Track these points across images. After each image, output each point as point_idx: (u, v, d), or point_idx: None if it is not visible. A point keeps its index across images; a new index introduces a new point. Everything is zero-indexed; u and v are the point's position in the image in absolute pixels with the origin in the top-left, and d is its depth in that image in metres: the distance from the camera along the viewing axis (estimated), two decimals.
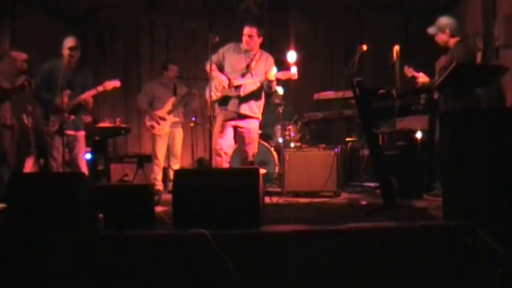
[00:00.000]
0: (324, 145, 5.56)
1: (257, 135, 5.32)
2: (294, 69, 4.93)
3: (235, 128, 5.14)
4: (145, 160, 7.00)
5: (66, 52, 4.95)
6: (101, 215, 3.37)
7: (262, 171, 4.79)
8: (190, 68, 7.57)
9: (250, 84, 5.04)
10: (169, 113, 6.14)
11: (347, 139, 6.96)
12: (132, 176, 7.03)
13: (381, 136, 5.12)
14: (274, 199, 4.94)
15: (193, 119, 7.08)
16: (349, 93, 4.36)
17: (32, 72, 5.44)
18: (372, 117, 4.23)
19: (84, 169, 5.05)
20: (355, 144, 6.78)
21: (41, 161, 5.44)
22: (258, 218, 3.25)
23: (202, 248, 2.98)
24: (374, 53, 5.49)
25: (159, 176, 6.12)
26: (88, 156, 6.05)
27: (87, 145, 5.83)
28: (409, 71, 5.10)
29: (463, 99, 4.33)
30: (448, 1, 7.06)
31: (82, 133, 5.18)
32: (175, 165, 6.18)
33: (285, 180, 5.48)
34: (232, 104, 5.07)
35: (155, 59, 8.37)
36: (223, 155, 5.05)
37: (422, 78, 4.95)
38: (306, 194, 5.25)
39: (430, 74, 5.11)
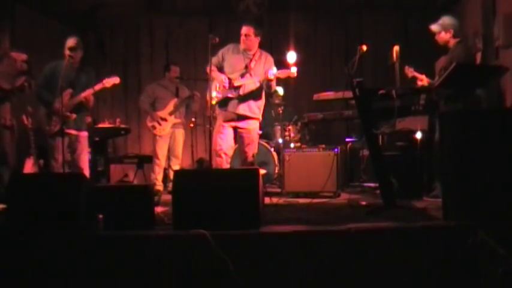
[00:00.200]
0: (323, 145, 5.56)
1: (257, 136, 5.32)
2: (293, 69, 4.92)
3: (235, 128, 5.14)
4: (145, 161, 7.01)
5: (66, 52, 4.96)
6: (100, 216, 3.37)
7: (262, 171, 4.79)
8: (190, 68, 7.57)
9: (249, 84, 5.04)
10: (170, 114, 6.15)
11: (347, 139, 6.96)
12: (132, 177, 7.03)
13: (380, 136, 5.12)
14: (274, 199, 4.94)
15: (193, 119, 7.08)
16: (349, 94, 4.36)
17: (31, 72, 5.44)
18: (371, 117, 4.23)
19: (86, 170, 5.05)
20: (355, 145, 6.77)
21: (41, 161, 5.45)
22: (258, 219, 3.25)
23: (202, 249, 2.98)
24: (374, 53, 5.49)
25: (160, 176, 6.12)
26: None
27: None
28: (410, 71, 5.11)
29: (463, 99, 4.33)
30: (448, 1, 7.06)
31: (84, 133, 5.16)
32: (176, 166, 6.19)
33: (285, 180, 5.48)
34: (232, 105, 5.08)
35: (155, 59, 8.38)
36: (223, 155, 5.05)
37: (423, 81, 4.97)
38: (305, 195, 5.25)
39: (429, 74, 5.12)
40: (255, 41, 5.12)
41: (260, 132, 5.59)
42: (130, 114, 8.28)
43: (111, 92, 7.80)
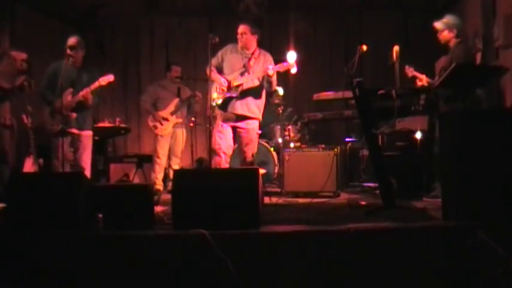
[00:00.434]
0: (323, 145, 5.56)
1: (256, 136, 5.32)
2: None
3: (234, 128, 5.14)
4: (145, 160, 7.01)
5: (67, 51, 4.96)
6: (100, 215, 3.36)
7: (262, 171, 4.79)
8: (190, 68, 7.57)
9: (248, 82, 5.05)
10: (172, 113, 6.17)
11: (347, 139, 6.96)
12: (131, 176, 7.03)
13: (380, 136, 5.13)
14: (274, 199, 4.94)
15: (193, 119, 7.08)
16: (348, 94, 4.36)
17: (31, 72, 5.44)
18: (371, 117, 4.23)
19: (88, 170, 5.04)
20: (355, 145, 6.77)
21: (40, 160, 5.44)
22: (257, 218, 3.25)
23: (202, 248, 2.98)
24: (374, 53, 5.49)
25: (160, 176, 6.13)
26: None
27: None
28: (410, 71, 5.12)
29: (463, 99, 4.33)
30: (448, 1, 7.06)
31: (87, 133, 5.14)
32: (176, 166, 6.20)
33: (285, 180, 5.48)
34: (231, 106, 5.08)
35: (155, 59, 8.38)
36: (222, 154, 5.05)
37: (422, 81, 4.97)
38: (305, 194, 5.25)
39: (430, 74, 5.12)
40: (252, 39, 5.13)
41: (260, 131, 5.59)
42: (130, 113, 8.28)
43: (111, 92, 7.84)
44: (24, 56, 5.44)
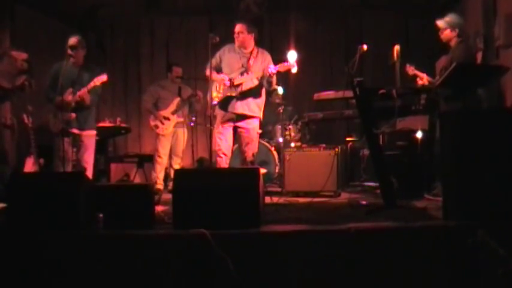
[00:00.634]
0: (324, 145, 5.56)
1: (257, 135, 5.32)
2: (294, 69, 4.92)
3: (235, 128, 5.15)
4: (146, 160, 7.01)
5: (68, 51, 4.96)
6: (101, 215, 3.37)
7: (263, 171, 4.78)
8: (191, 68, 7.55)
9: (248, 82, 5.05)
10: (173, 113, 6.18)
11: (347, 139, 6.96)
12: (132, 176, 7.03)
13: (381, 136, 5.13)
14: (275, 199, 4.94)
15: (193, 118, 7.08)
16: (349, 93, 4.36)
17: (32, 72, 5.44)
18: (372, 117, 4.23)
19: (90, 169, 5.04)
20: (356, 144, 6.77)
21: (41, 160, 5.44)
22: (258, 218, 3.25)
23: (202, 248, 2.98)
24: (374, 53, 5.50)
25: (161, 175, 6.13)
26: None
27: None
28: (411, 70, 5.12)
29: (463, 99, 4.33)
30: (448, 1, 7.05)
31: (88, 133, 5.13)
32: (177, 165, 6.21)
33: (285, 180, 5.48)
34: (231, 106, 5.09)
35: (155, 59, 8.37)
36: (222, 155, 5.07)
37: (423, 80, 4.97)
38: (306, 194, 5.24)
39: (430, 74, 5.12)
40: (249, 38, 5.14)
41: (260, 131, 5.59)
42: (130, 113, 8.27)
43: (111, 92, 7.85)
44: (24, 55, 5.44)
